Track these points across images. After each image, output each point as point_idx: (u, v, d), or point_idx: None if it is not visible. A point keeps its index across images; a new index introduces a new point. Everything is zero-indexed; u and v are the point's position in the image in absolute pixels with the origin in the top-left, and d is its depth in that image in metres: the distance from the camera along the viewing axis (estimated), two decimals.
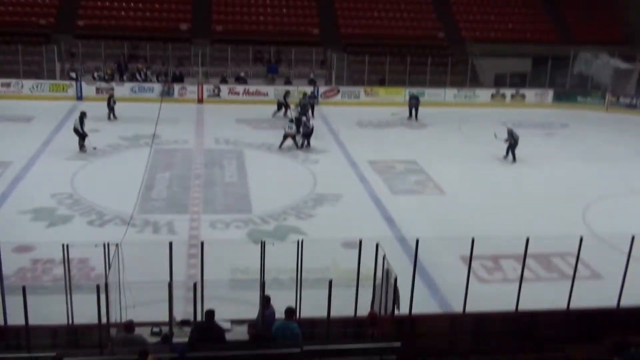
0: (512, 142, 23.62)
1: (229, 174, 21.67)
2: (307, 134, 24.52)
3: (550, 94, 33.69)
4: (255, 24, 35.88)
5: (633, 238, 11.73)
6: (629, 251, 11.86)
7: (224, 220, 17.67)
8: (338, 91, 32.19)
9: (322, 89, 32.08)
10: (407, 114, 29.71)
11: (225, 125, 27.45)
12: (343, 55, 34.17)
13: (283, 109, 28.82)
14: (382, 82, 33.43)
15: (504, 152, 23.92)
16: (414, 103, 29.07)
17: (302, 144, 24.38)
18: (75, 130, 22.86)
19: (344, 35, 36.11)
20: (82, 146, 22.80)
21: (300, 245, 10.94)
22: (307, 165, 22.80)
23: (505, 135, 23.90)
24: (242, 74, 32.97)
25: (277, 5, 37.10)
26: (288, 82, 33.02)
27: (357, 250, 11.05)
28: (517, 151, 23.68)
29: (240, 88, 32.13)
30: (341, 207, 19.14)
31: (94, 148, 22.83)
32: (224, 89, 31.94)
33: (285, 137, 24.30)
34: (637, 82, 35.12)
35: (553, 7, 39.73)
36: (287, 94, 29.37)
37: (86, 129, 23.07)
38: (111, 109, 27.48)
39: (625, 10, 38.62)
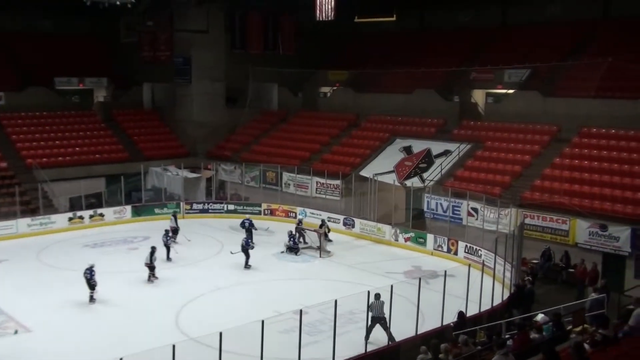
0: (246, 249, 25.34)
1: None
2: None
3: (128, 210, 34.11)
4: None
5: (221, 334, 12.33)
6: (219, 347, 12.41)
7: None
8: None
9: None
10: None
11: None
12: None
13: None
14: None
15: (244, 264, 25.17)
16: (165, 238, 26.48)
17: None
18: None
19: None
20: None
21: None
22: None
23: (237, 249, 25.42)
24: None
25: None
26: None
27: None
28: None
29: None
30: None
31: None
32: None
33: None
34: (205, 188, 38.20)
35: (117, 129, 41.25)
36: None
37: None
38: None
39: (183, 126, 42.22)
